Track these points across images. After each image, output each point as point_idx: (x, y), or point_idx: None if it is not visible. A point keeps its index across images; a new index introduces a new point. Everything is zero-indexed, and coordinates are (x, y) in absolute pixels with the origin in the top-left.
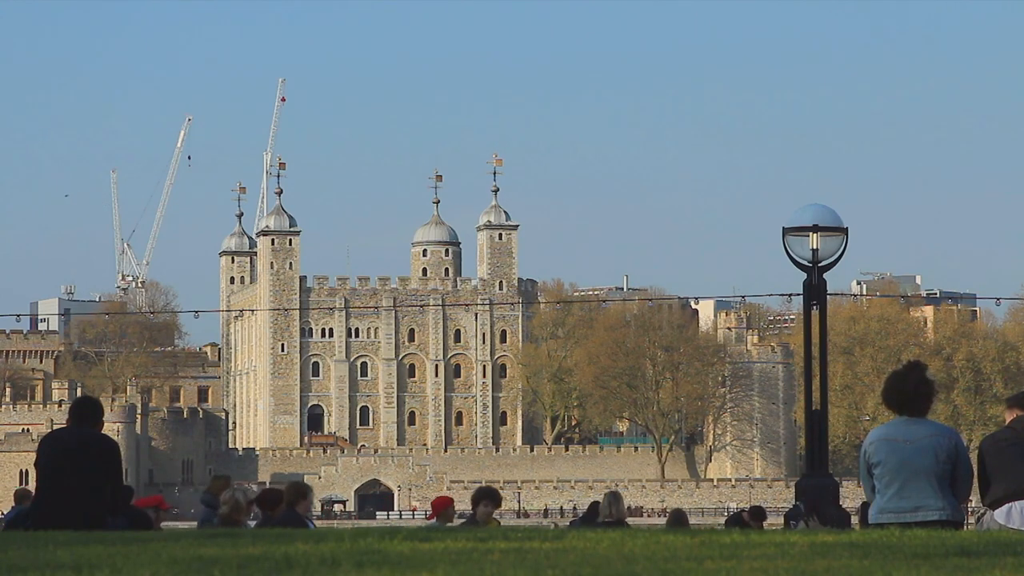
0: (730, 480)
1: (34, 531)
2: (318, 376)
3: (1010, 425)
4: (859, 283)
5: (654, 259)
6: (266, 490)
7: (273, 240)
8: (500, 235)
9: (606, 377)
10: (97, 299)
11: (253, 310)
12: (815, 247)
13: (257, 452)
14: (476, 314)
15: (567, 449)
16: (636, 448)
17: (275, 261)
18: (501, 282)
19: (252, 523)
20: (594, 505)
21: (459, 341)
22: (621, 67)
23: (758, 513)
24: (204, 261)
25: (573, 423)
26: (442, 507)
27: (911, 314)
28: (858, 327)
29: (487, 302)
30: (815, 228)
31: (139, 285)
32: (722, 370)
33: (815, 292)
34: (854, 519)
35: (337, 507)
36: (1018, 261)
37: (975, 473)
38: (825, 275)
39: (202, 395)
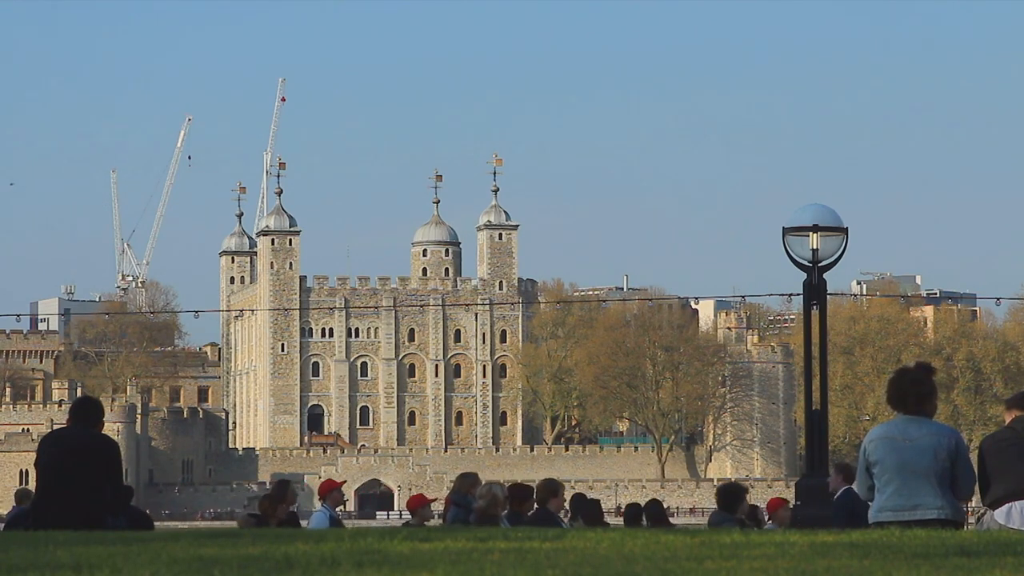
0: (730, 480)
1: (34, 531)
2: (318, 376)
3: (1010, 425)
4: (859, 283)
5: (654, 259)
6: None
7: (273, 240)
8: (500, 235)
9: (606, 377)
10: (97, 299)
11: (253, 310)
12: (815, 247)
13: (257, 452)
14: (476, 314)
15: (567, 449)
16: (636, 448)
17: (275, 261)
18: (501, 282)
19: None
20: (592, 503)
21: (459, 341)
22: (621, 67)
23: (754, 512)
24: (204, 261)
25: (573, 423)
26: (417, 504)
27: (911, 314)
28: (858, 327)
29: (487, 302)
30: (815, 228)
31: (139, 285)
32: (722, 370)
33: (815, 292)
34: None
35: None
36: (1018, 261)
37: (976, 473)
38: (825, 275)
39: (202, 395)
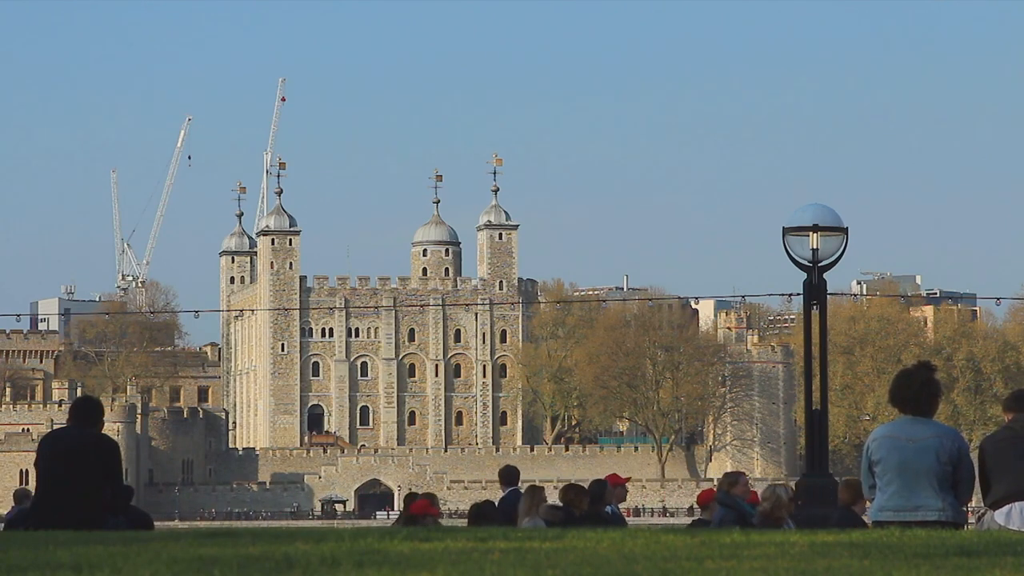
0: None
1: (34, 531)
2: (318, 376)
3: (1009, 425)
4: (859, 283)
5: (654, 259)
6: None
7: (273, 240)
8: (500, 235)
9: (606, 377)
10: (97, 299)
11: (253, 310)
12: (815, 247)
13: (257, 452)
14: (476, 314)
15: (567, 449)
16: (636, 448)
17: (275, 261)
18: (501, 282)
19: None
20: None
21: (459, 341)
22: (621, 67)
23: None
24: (204, 261)
25: (573, 423)
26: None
27: (911, 314)
28: (858, 327)
29: (487, 302)
30: (815, 228)
31: (139, 285)
32: (722, 370)
33: (815, 292)
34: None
35: (337, 507)
36: (1018, 261)
37: (976, 474)
38: (825, 275)
39: (202, 395)
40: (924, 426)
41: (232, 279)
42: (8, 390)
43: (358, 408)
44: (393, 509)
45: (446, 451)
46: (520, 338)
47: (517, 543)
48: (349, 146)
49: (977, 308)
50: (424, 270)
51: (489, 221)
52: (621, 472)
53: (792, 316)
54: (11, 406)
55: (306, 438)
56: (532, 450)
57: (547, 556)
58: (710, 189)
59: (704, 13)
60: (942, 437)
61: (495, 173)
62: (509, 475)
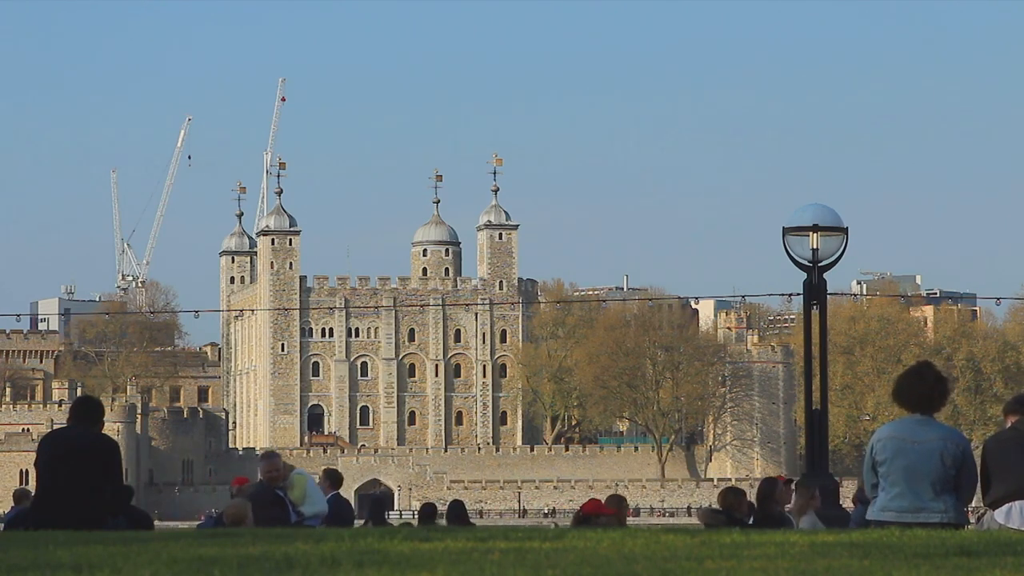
0: (730, 480)
1: (34, 531)
2: (318, 376)
3: (1014, 425)
4: (859, 283)
5: (654, 259)
6: None
7: (273, 240)
8: (500, 235)
9: (606, 377)
10: (97, 299)
11: (253, 310)
12: (815, 247)
13: (257, 452)
14: (476, 314)
15: (567, 449)
16: (636, 448)
17: (275, 261)
18: (501, 282)
19: None
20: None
21: (459, 341)
22: (621, 67)
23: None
24: (204, 261)
25: (573, 423)
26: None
27: (911, 314)
28: (858, 327)
29: (487, 302)
30: (815, 228)
31: (139, 285)
32: (722, 370)
33: (815, 292)
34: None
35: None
36: (1018, 261)
37: (979, 476)
38: (825, 275)
39: (202, 395)
40: (929, 428)
41: (232, 279)
42: (8, 390)
43: (358, 408)
44: (393, 509)
45: (446, 451)
46: (520, 338)
47: (517, 543)
48: (349, 146)
49: (977, 308)
50: (424, 270)
51: (489, 221)
52: (621, 472)
53: (792, 316)
54: (11, 406)
55: (306, 438)
56: (532, 450)
57: (547, 556)
58: (710, 189)
59: (704, 14)
60: (946, 440)
61: (495, 173)
62: (334, 478)
